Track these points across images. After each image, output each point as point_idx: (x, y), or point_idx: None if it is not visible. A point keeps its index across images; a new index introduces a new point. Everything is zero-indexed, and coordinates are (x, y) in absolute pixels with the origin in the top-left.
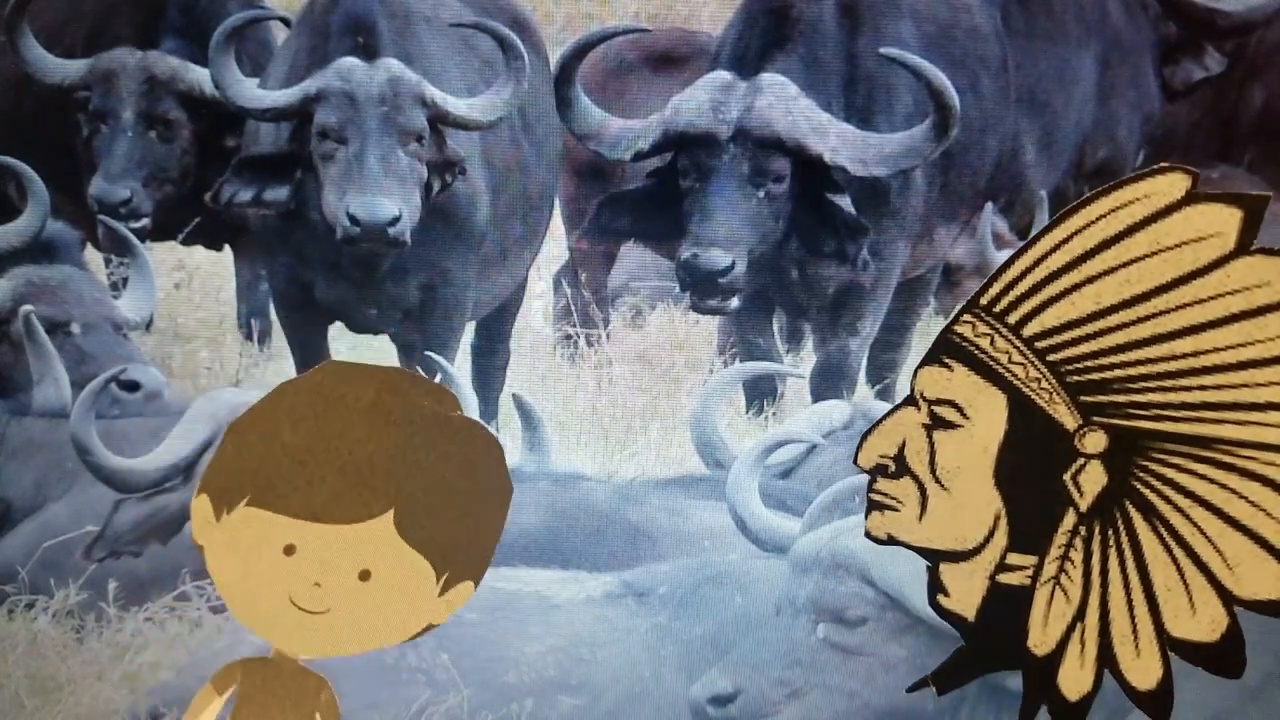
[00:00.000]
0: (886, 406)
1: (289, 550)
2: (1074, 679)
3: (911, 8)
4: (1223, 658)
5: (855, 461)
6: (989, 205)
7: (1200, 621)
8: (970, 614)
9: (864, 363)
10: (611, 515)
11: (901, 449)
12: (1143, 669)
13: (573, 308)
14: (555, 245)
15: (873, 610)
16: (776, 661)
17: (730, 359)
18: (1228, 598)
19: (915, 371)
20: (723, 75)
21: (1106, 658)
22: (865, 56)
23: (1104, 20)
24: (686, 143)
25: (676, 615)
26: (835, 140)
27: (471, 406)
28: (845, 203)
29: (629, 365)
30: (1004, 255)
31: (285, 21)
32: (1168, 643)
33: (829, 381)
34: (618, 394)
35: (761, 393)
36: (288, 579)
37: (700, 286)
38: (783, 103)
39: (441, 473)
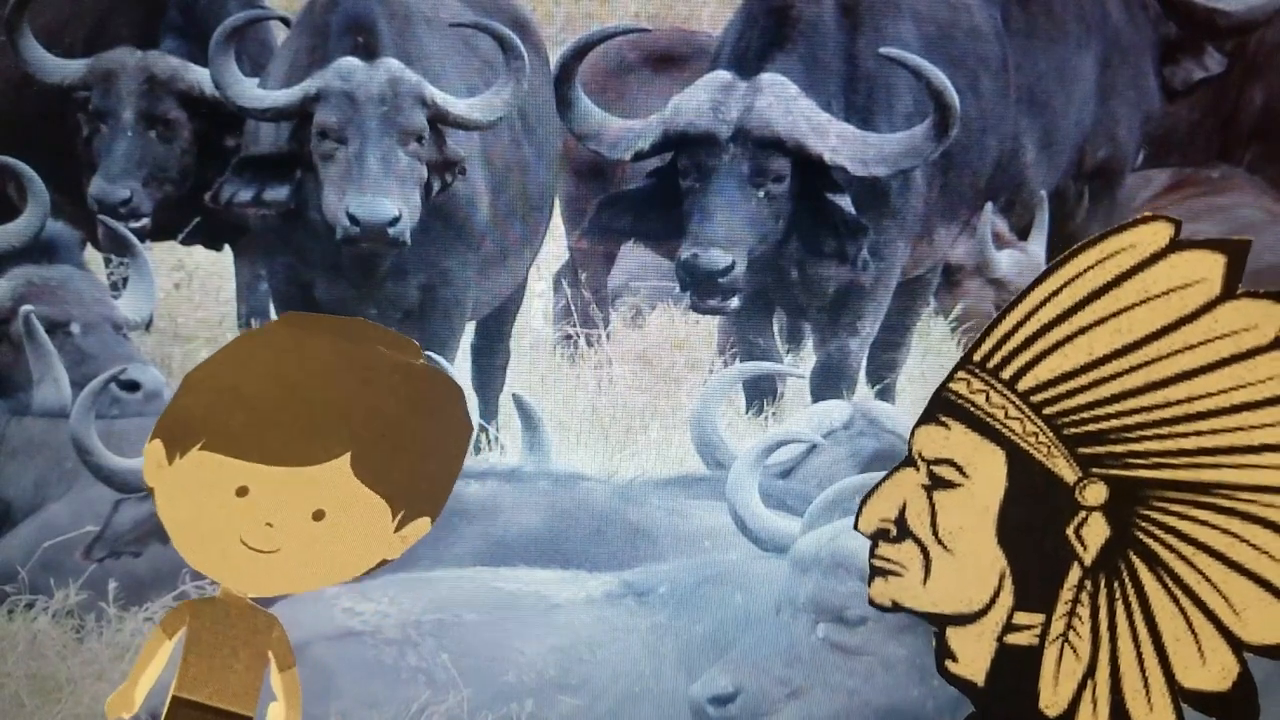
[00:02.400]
0: (887, 406)
1: (241, 492)
2: None
3: (911, 8)
4: (1235, 707)
5: (856, 527)
6: (989, 205)
7: (1211, 671)
8: (980, 679)
9: (864, 363)
10: (611, 515)
11: (902, 512)
12: None
13: (573, 308)
14: (555, 245)
15: (872, 610)
16: (777, 660)
17: (730, 359)
18: (1236, 644)
19: (912, 431)
20: (723, 75)
21: (1120, 715)
22: (865, 56)
23: (1104, 20)
24: (686, 143)
25: (676, 615)
26: (835, 140)
27: (471, 406)
28: (845, 203)
29: (629, 365)
30: (1004, 255)
31: (285, 21)
32: (1180, 694)
33: (829, 381)
34: (618, 394)
35: (761, 393)
36: (239, 519)
37: (700, 286)
38: (783, 102)
39: (400, 416)
